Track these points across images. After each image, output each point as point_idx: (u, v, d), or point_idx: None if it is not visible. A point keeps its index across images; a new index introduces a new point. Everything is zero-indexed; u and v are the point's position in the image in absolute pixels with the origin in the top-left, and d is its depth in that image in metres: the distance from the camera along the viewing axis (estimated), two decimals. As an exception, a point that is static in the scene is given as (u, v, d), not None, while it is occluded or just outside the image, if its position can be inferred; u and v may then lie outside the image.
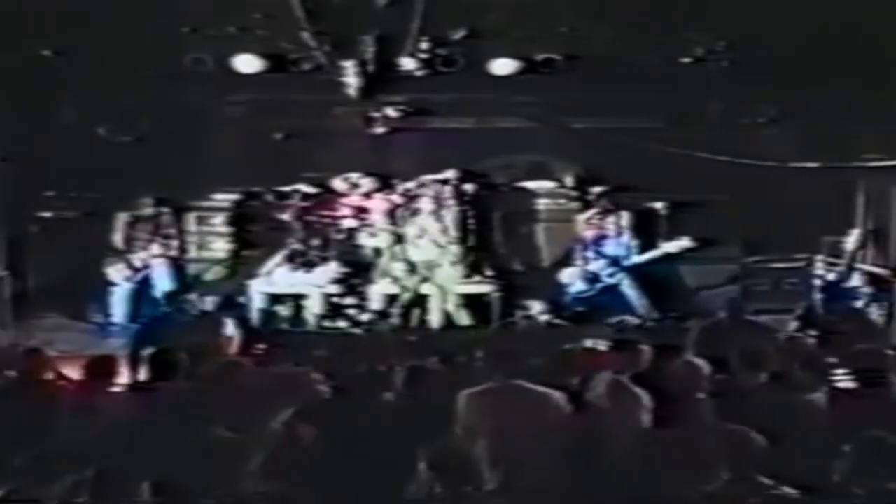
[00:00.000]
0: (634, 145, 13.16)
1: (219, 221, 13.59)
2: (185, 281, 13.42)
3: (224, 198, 13.65)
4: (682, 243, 13.42)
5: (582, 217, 13.69)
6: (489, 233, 13.63)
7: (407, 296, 13.38)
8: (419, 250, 13.40)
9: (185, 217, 13.62)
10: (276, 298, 13.46)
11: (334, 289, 13.42)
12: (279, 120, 13.29)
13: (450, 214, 13.59)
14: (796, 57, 11.80)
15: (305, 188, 13.65)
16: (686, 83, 12.81)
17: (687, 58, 12.39)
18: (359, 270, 13.61)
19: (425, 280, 13.40)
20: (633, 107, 13.13)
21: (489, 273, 13.54)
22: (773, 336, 11.90)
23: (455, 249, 13.45)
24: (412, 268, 13.31)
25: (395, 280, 13.45)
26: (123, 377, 10.57)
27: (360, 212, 13.67)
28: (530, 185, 13.75)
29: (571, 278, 13.51)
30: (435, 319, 13.42)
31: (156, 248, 13.45)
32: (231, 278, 13.47)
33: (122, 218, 13.34)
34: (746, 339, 11.63)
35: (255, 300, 13.37)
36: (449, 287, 13.43)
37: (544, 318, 13.15)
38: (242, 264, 13.59)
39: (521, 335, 13.03)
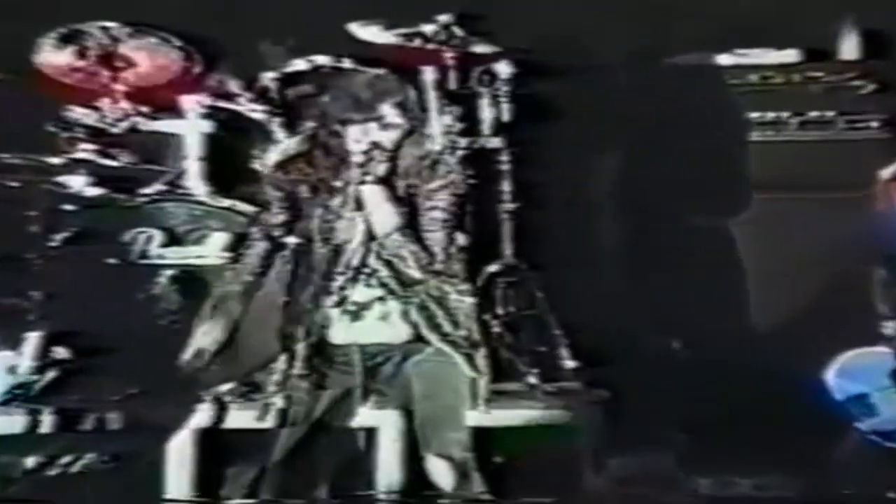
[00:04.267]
0: None
1: None
2: None
3: None
4: None
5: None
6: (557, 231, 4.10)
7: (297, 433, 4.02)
8: (354, 287, 4.16)
9: None
10: None
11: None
12: None
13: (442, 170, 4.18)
14: None
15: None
16: None
17: None
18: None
19: (371, 374, 4.12)
20: None
21: (566, 360, 4.07)
22: None
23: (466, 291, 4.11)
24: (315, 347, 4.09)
25: (254, 388, 4.13)
26: None
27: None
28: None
29: (856, 379, 3.81)
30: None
31: None
32: None
33: None
34: None
35: None
36: (444, 417, 4.05)
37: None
38: None
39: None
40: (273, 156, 4.17)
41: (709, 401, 3.92)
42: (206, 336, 4.02)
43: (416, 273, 4.05)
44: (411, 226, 4.07)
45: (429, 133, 4.11)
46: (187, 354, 4.00)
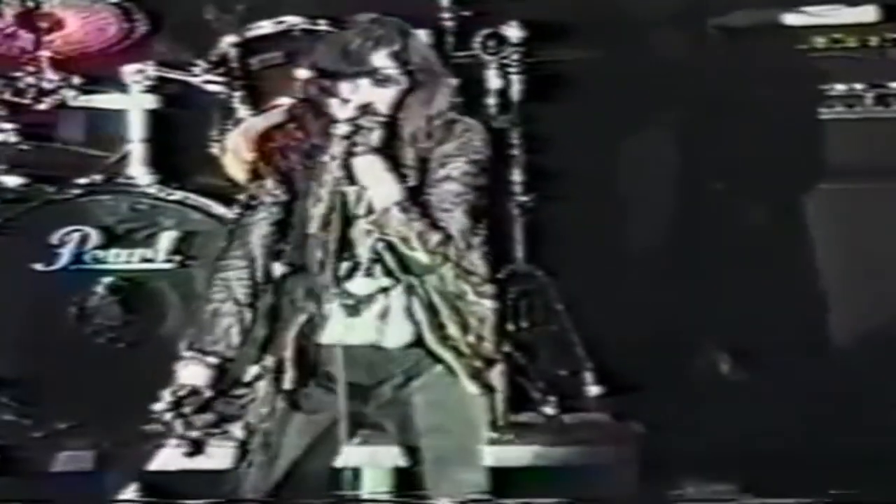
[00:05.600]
0: None
1: None
2: None
3: None
4: None
5: None
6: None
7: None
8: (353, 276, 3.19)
9: None
10: None
11: None
12: None
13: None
14: None
15: None
16: None
17: None
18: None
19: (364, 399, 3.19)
20: None
21: (590, 386, 3.46)
22: None
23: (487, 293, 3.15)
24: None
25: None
26: None
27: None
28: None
29: None
30: None
31: None
32: None
33: None
34: None
35: None
36: (458, 454, 3.18)
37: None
38: None
39: None
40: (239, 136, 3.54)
41: (767, 435, 3.30)
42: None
43: (422, 256, 3.35)
44: (417, 200, 3.36)
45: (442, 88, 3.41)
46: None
